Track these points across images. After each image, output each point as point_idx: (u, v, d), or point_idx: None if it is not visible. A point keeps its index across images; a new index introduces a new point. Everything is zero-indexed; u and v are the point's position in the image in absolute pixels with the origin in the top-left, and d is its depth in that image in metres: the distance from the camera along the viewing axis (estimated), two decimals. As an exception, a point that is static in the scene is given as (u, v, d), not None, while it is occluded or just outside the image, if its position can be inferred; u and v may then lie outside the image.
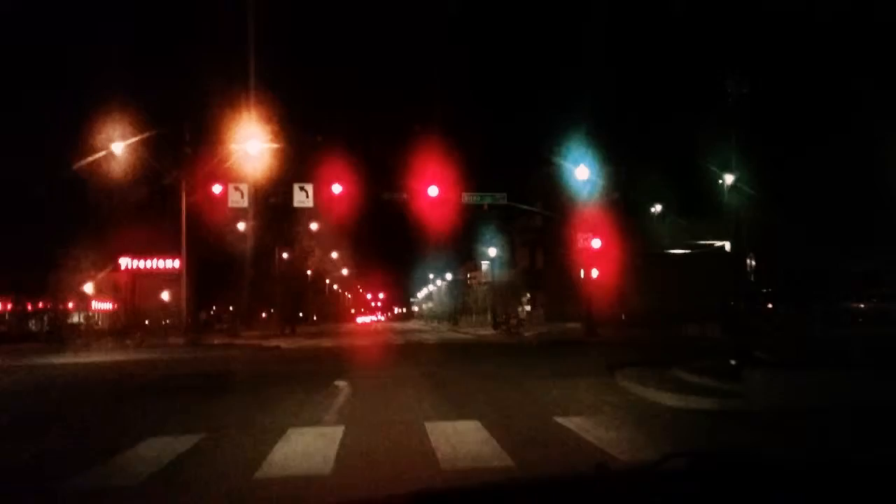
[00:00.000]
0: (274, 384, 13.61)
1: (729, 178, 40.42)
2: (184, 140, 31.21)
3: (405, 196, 30.30)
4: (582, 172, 31.65)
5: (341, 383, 13.03)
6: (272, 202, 33.33)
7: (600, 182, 32.46)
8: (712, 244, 47.32)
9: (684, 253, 44.77)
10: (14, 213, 38.62)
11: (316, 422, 8.79)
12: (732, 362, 11.78)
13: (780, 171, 34.14)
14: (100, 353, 26.42)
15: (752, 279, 28.00)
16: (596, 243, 30.10)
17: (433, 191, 29.36)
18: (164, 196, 33.20)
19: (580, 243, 30.10)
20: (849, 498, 1.44)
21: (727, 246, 46.64)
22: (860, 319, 28.93)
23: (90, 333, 41.02)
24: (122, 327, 42.33)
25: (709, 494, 1.44)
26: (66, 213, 38.84)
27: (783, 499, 1.45)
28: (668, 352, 17.47)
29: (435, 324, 75.45)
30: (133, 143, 29.70)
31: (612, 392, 11.18)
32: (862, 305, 30.56)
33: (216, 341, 32.84)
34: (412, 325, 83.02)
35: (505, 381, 13.34)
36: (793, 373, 10.07)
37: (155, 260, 46.31)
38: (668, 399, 10.11)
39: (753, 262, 27.66)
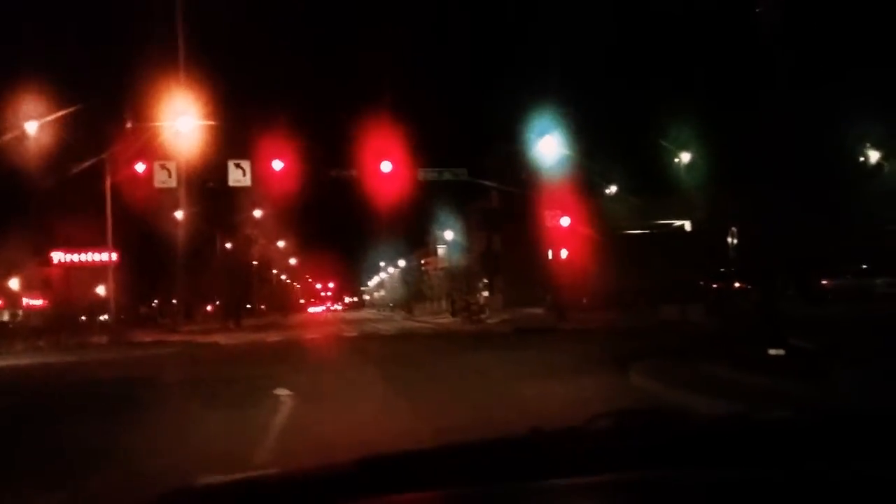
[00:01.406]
0: (194, 396, 10.69)
1: (685, 156, 38.66)
2: (107, 117, 27.91)
3: (355, 173, 27.34)
4: (546, 146, 29.21)
5: (283, 392, 10.11)
6: (210, 185, 30.12)
7: (564, 157, 30.06)
8: (671, 223, 45.82)
9: (644, 233, 43.16)
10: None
11: (241, 462, 5.87)
12: (773, 352, 9.47)
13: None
14: (2, 356, 22.97)
15: (734, 257, 25.92)
16: (565, 221, 27.68)
17: (386, 166, 26.45)
18: (92, 181, 29.73)
19: (548, 221, 27.63)
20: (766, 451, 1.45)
21: (687, 225, 45.26)
22: (829, 297, 27.48)
23: (20, 332, 37.25)
24: (53, 325, 38.68)
25: (631, 449, 1.48)
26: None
27: (699, 450, 1.49)
28: (667, 339, 15.20)
29: (388, 313, 72.84)
30: (50, 121, 26.25)
31: (631, 396, 8.59)
32: (835, 282, 29.11)
33: (147, 338, 29.60)
34: (364, 314, 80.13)
35: (488, 383, 10.67)
36: (863, 367, 7.85)
37: (90, 253, 42.65)
38: (714, 407, 7.48)
39: (735, 241, 25.55)
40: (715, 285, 28.99)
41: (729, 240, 25.73)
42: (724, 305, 25.12)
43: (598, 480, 1.41)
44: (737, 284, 28.45)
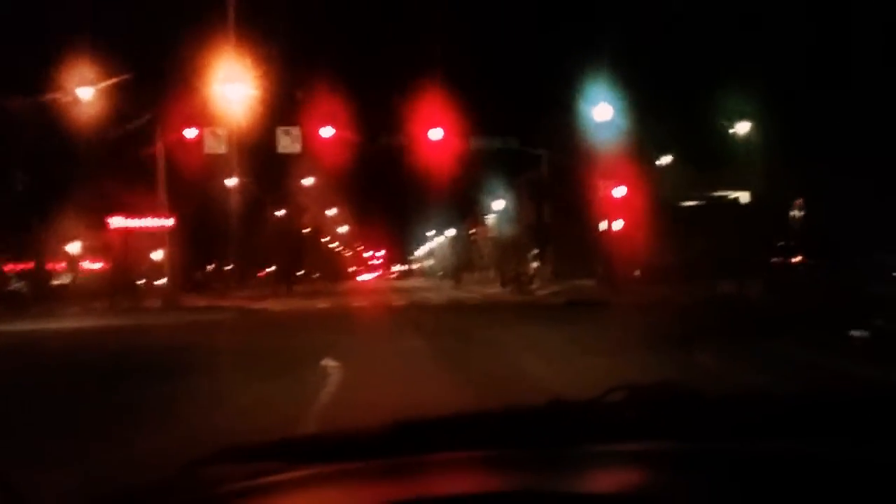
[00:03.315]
0: (242, 364, 10.58)
1: (744, 126, 37.30)
2: (158, 83, 27.99)
3: (405, 140, 26.97)
4: (599, 114, 28.39)
5: (330, 364, 9.92)
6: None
7: (620, 125, 29.19)
8: (727, 195, 44.40)
9: (700, 204, 41.90)
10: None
11: (288, 431, 5.71)
12: (855, 333, 8.90)
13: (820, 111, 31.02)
14: (58, 318, 23.43)
15: (798, 231, 24.89)
16: (619, 191, 26.93)
17: (436, 134, 26.03)
18: (148, 148, 29.98)
19: (601, 191, 26.92)
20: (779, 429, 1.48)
21: (744, 197, 43.80)
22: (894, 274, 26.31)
23: (77, 295, 38.18)
24: (109, 288, 39.55)
25: (643, 421, 1.54)
26: (51, 168, 35.99)
27: (708, 424, 1.53)
28: (727, 315, 14.61)
29: (436, 281, 72.79)
30: (106, 87, 26.52)
31: (704, 379, 8.07)
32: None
33: (201, 303, 29.91)
34: (413, 282, 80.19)
35: (542, 358, 10.30)
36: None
37: (147, 218, 43.42)
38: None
39: (800, 213, 24.52)
40: (775, 260, 28.01)
41: (793, 213, 24.73)
42: (783, 281, 24.26)
43: (612, 449, 1.48)
44: (797, 259, 27.47)
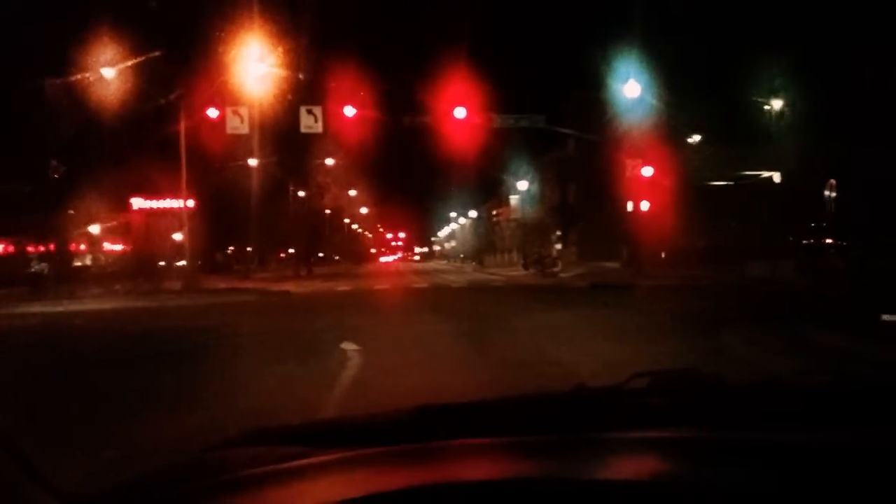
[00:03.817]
0: (260, 347, 10.32)
1: (776, 104, 36.34)
2: (181, 63, 27.71)
3: (428, 119, 26.49)
4: (627, 92, 27.66)
5: (350, 347, 9.60)
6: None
7: (649, 102, 28.44)
8: (758, 175, 43.42)
9: (730, 185, 41.03)
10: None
11: (309, 416, 5.46)
12: (887, 317, 8.47)
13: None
14: (80, 300, 23.34)
15: (832, 212, 24.17)
16: (647, 171, 26.29)
17: (460, 112, 25.53)
18: (169, 129, 29.75)
19: (628, 171, 26.29)
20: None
21: (775, 177, 42.83)
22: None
23: (98, 276, 38.28)
24: (132, 270, 39.64)
25: (665, 407, 1.57)
26: (76, 150, 35.97)
27: (731, 411, 1.53)
28: (757, 298, 14.12)
29: (458, 264, 72.44)
30: (128, 66, 26.25)
31: (732, 366, 7.64)
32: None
33: (221, 285, 29.79)
34: (435, 265, 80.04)
35: (567, 343, 9.90)
36: None
37: (168, 199, 43.39)
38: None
39: (833, 194, 23.79)
40: (805, 241, 27.33)
41: (826, 193, 24.01)
42: (815, 263, 23.65)
43: (634, 436, 1.47)
44: (829, 241, 26.79)
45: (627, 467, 1.36)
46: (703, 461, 1.33)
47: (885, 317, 8.71)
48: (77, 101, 26.51)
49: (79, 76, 25.90)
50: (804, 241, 27.00)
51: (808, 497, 1.13)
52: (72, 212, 39.92)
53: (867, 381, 1.70)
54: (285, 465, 1.39)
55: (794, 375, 1.82)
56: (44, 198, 37.31)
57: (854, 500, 1.11)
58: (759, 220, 29.53)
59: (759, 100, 31.62)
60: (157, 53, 26.20)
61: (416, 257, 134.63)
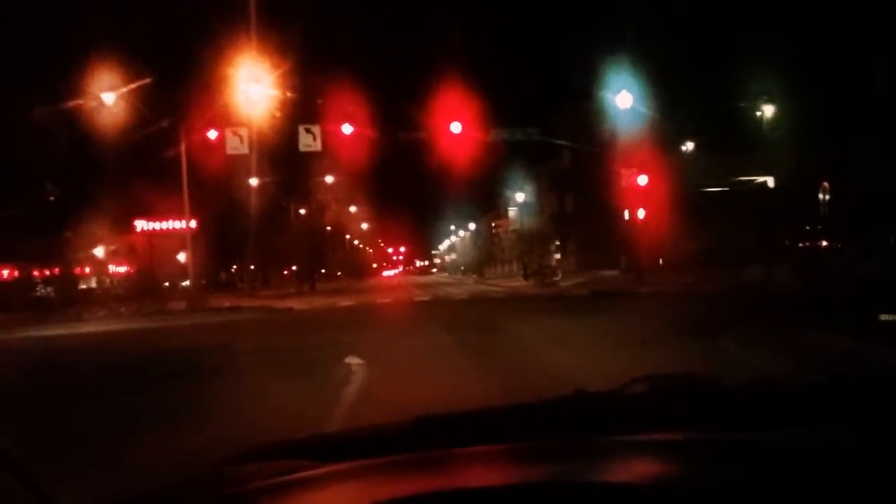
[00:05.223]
0: (264, 364, 10.56)
1: (768, 110, 36.69)
2: (180, 85, 28.11)
3: (425, 135, 26.85)
4: (620, 102, 28.03)
5: (355, 362, 9.83)
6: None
7: (641, 112, 28.80)
8: (752, 180, 43.71)
9: (725, 191, 41.31)
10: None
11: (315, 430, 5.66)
12: (884, 317, 8.68)
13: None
14: (86, 322, 23.63)
15: (826, 215, 24.45)
16: (642, 180, 26.63)
17: (456, 127, 25.90)
18: (171, 150, 30.09)
19: (624, 180, 26.62)
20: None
21: (769, 182, 43.11)
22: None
23: (103, 299, 38.54)
24: (137, 291, 39.90)
25: (664, 412, 1.56)
26: (77, 175, 36.30)
27: (730, 413, 1.55)
28: (755, 302, 14.35)
29: (459, 276, 72.66)
30: (127, 91, 26.60)
31: (732, 370, 7.89)
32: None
33: (225, 304, 30.04)
34: (436, 277, 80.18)
35: (569, 351, 10.15)
36: None
37: (171, 221, 43.69)
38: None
39: (826, 197, 24.07)
40: (801, 244, 27.61)
41: (820, 196, 24.29)
42: (811, 265, 23.93)
43: (634, 440, 1.48)
44: (825, 243, 27.06)
45: (628, 471, 1.36)
46: (704, 464, 1.34)
47: (883, 317, 8.91)
48: (75, 126, 26.89)
49: (78, 101, 26.29)
50: (800, 245, 27.29)
51: (808, 497, 1.13)
52: (75, 235, 40.19)
53: (866, 380, 1.71)
54: (290, 477, 1.40)
55: (794, 375, 1.83)
56: (47, 222, 37.67)
57: (855, 499, 1.12)
58: (755, 224, 29.82)
59: (751, 106, 32.07)
60: (148, 80, 26.50)
61: (416, 270, 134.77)
